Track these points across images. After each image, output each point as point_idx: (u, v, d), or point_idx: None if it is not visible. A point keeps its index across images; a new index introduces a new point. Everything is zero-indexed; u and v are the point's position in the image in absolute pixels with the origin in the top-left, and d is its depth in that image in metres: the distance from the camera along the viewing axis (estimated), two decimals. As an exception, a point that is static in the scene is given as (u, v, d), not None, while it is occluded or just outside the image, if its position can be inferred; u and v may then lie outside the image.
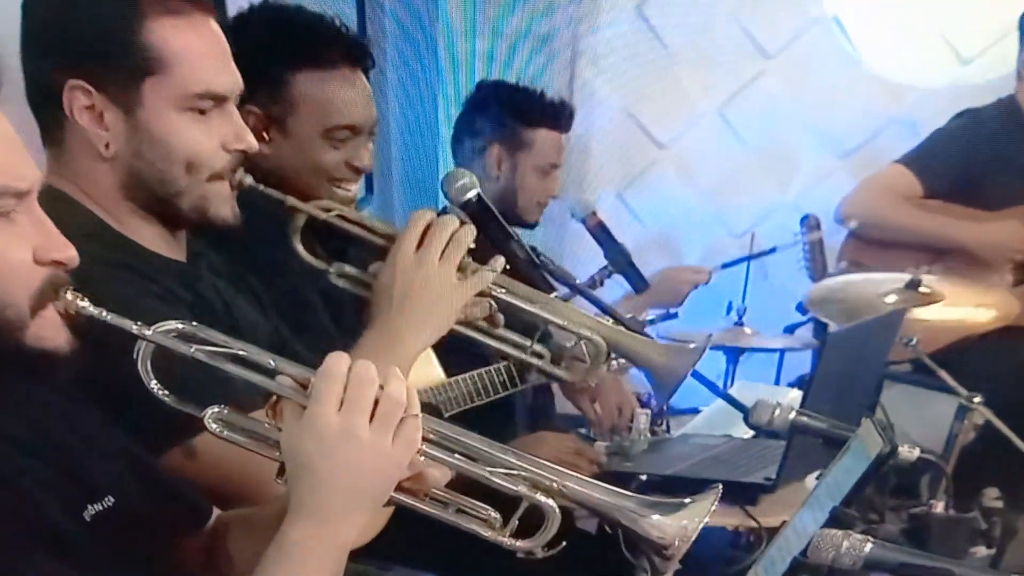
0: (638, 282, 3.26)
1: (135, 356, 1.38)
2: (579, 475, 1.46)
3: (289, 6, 2.37)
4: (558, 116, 3.37)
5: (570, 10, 4.73)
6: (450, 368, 2.39)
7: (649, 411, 2.82)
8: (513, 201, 3.29)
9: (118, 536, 1.40)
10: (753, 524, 2.41)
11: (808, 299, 3.25)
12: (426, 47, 4.42)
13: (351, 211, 1.96)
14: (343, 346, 1.47)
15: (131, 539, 1.42)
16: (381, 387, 1.36)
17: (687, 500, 1.47)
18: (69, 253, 1.36)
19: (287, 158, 2.30)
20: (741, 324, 3.76)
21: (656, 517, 1.44)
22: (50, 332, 1.35)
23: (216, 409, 1.43)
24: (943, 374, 2.66)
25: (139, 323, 1.37)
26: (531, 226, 3.33)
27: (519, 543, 1.43)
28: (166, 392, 1.41)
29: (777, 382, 4.18)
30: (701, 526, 1.45)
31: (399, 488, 1.41)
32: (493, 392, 2.46)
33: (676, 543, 1.44)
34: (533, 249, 2.17)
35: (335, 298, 2.06)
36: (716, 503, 1.47)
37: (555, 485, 1.43)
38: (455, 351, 2.11)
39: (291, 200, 1.91)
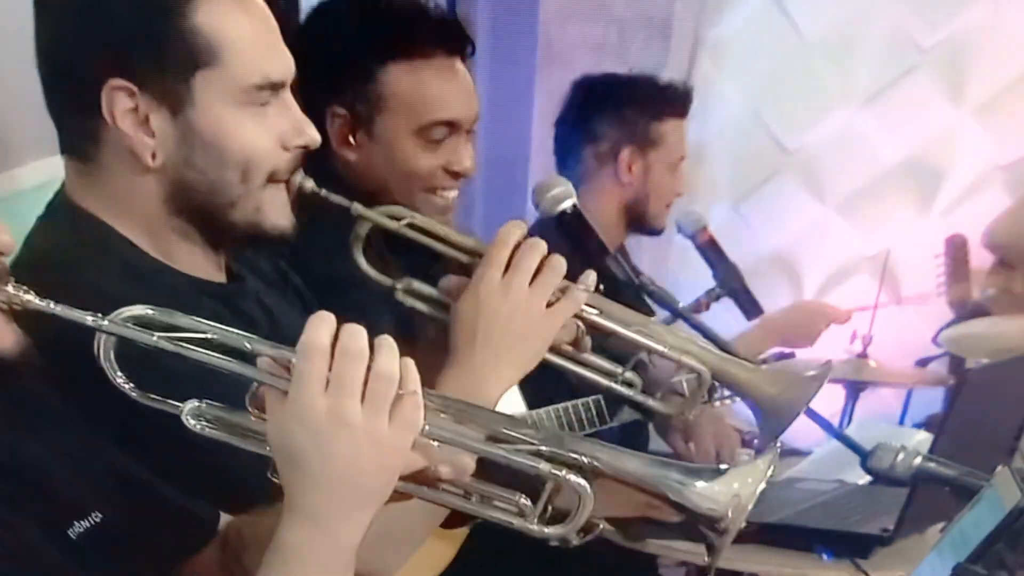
0: (750, 307, 3.32)
1: (95, 351, 1.37)
2: (609, 446, 1.46)
3: None
4: (682, 102, 3.46)
5: None
6: (533, 399, 2.42)
7: (752, 451, 2.90)
8: (644, 207, 3.40)
9: (112, 553, 1.41)
10: (862, 576, 2.47)
11: (945, 338, 3.26)
12: (524, 33, 4.46)
13: (425, 219, 1.93)
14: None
15: (127, 556, 1.44)
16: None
17: (742, 460, 1.51)
18: (4, 238, 1.33)
19: (376, 164, 2.33)
20: (865, 355, 3.81)
21: (701, 484, 1.44)
22: None
23: (194, 404, 1.40)
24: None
25: (95, 314, 1.35)
26: (658, 232, 3.43)
27: (550, 530, 1.41)
28: (134, 388, 1.40)
29: (902, 422, 4.22)
30: (757, 493, 1.45)
31: (414, 478, 1.39)
32: (580, 428, 2.50)
33: (729, 514, 1.44)
34: (633, 268, 2.24)
35: (408, 315, 2.03)
36: (775, 464, 1.47)
37: (585, 460, 1.42)
38: (539, 379, 2.05)
39: (357, 207, 1.88)
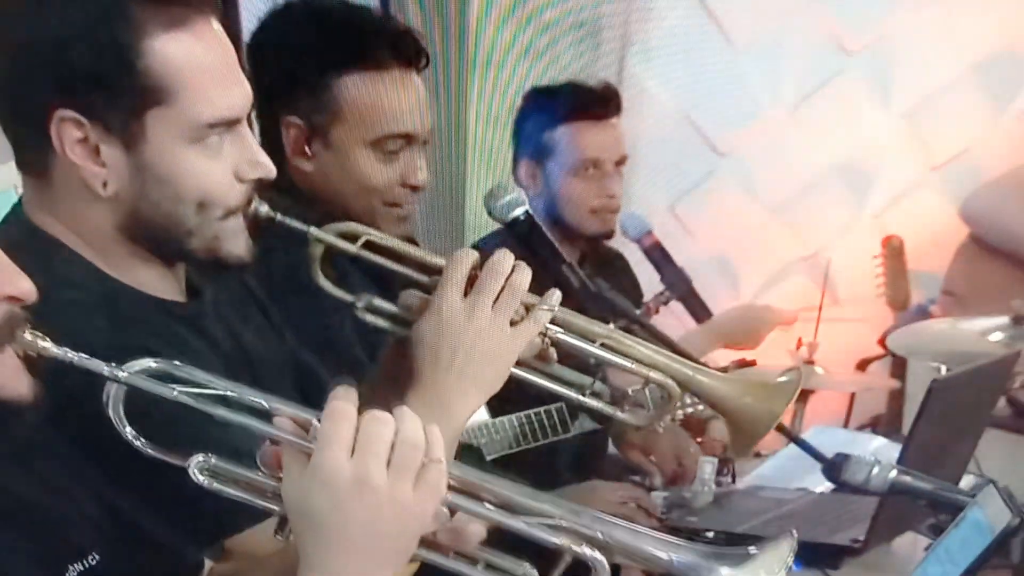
0: (699, 311, 3.22)
1: (104, 400, 1.35)
2: (629, 524, 1.43)
3: (329, 2, 2.35)
4: (582, 104, 3.35)
5: None
6: (495, 407, 2.38)
7: (715, 459, 2.78)
8: (560, 215, 3.30)
9: None
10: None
11: (892, 342, 3.17)
12: (455, 39, 4.37)
13: (383, 236, 1.87)
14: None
15: None
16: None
17: (753, 550, 1.42)
18: (23, 286, 1.33)
19: (332, 175, 2.31)
20: (812, 362, 3.72)
21: (726, 570, 1.39)
22: (8, 379, 1.32)
23: (202, 458, 1.38)
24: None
25: (111, 364, 1.34)
26: (604, 237, 3.33)
27: None
28: (143, 440, 1.38)
29: (847, 423, 4.20)
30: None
31: (429, 543, 1.38)
32: (542, 436, 2.48)
33: None
34: (588, 275, 2.16)
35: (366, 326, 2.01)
36: (793, 553, 1.42)
37: (600, 536, 1.39)
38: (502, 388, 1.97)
39: (314, 231, 1.82)
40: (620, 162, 3.35)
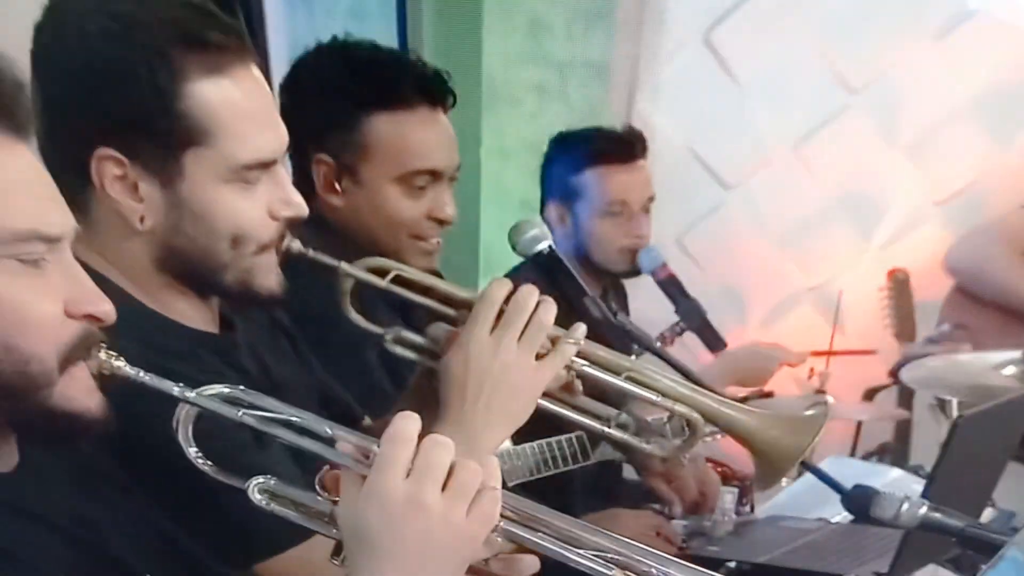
0: (713, 341, 3.20)
1: (175, 422, 1.38)
2: (682, 561, 1.40)
3: (360, 42, 2.36)
4: (611, 148, 3.39)
5: (628, 36, 4.74)
6: (516, 433, 2.34)
7: (736, 489, 2.76)
8: (589, 255, 3.34)
9: None
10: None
11: (906, 375, 3.16)
12: (469, 77, 4.39)
13: (413, 271, 1.90)
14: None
15: None
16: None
17: None
18: (104, 307, 1.35)
19: (362, 210, 2.32)
20: (823, 392, 3.75)
21: None
22: (80, 393, 1.33)
23: (261, 480, 1.40)
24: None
25: (180, 385, 1.37)
26: (632, 275, 3.36)
27: None
28: (206, 461, 1.40)
29: (853, 452, 4.16)
30: None
31: (479, 573, 1.36)
32: (563, 463, 2.47)
33: None
34: (609, 307, 2.17)
35: (393, 359, 2.00)
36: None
37: (654, 572, 1.36)
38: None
39: (344, 266, 1.85)
40: (647, 203, 3.38)
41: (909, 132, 4.89)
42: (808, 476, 2.90)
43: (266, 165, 1.72)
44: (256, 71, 1.73)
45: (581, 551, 1.36)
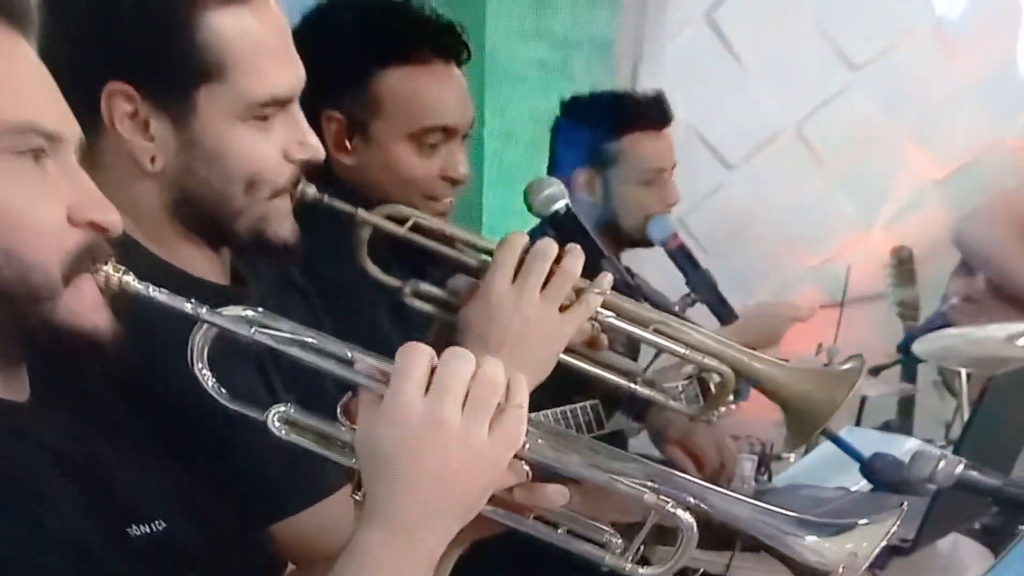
0: (725, 312, 3.08)
1: (190, 344, 1.27)
2: (718, 487, 1.32)
3: None
4: (644, 114, 3.27)
5: (633, 14, 4.63)
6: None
7: (756, 456, 2.65)
8: (616, 223, 3.24)
9: (173, 566, 1.29)
10: (885, 590, 2.22)
11: (919, 348, 3.08)
12: (472, 54, 4.26)
13: (431, 218, 1.80)
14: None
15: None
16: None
17: (862, 521, 1.35)
18: (110, 217, 1.26)
19: (373, 169, 2.21)
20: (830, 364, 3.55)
21: (812, 539, 1.31)
22: (87, 308, 1.24)
23: (282, 409, 1.29)
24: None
25: (193, 301, 1.26)
26: (651, 244, 3.22)
27: (644, 571, 1.28)
28: (222, 388, 1.29)
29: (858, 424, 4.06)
30: (875, 553, 1.31)
31: (504, 503, 1.26)
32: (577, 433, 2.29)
33: (840, 571, 1.29)
34: (627, 269, 2.05)
35: (408, 317, 1.93)
36: (898, 524, 1.34)
37: (690, 498, 1.28)
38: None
39: (361, 212, 1.76)
40: (673, 169, 3.29)
41: (911, 110, 4.85)
42: (822, 448, 2.83)
43: (282, 103, 1.63)
44: (274, 5, 1.63)
45: (612, 476, 1.27)
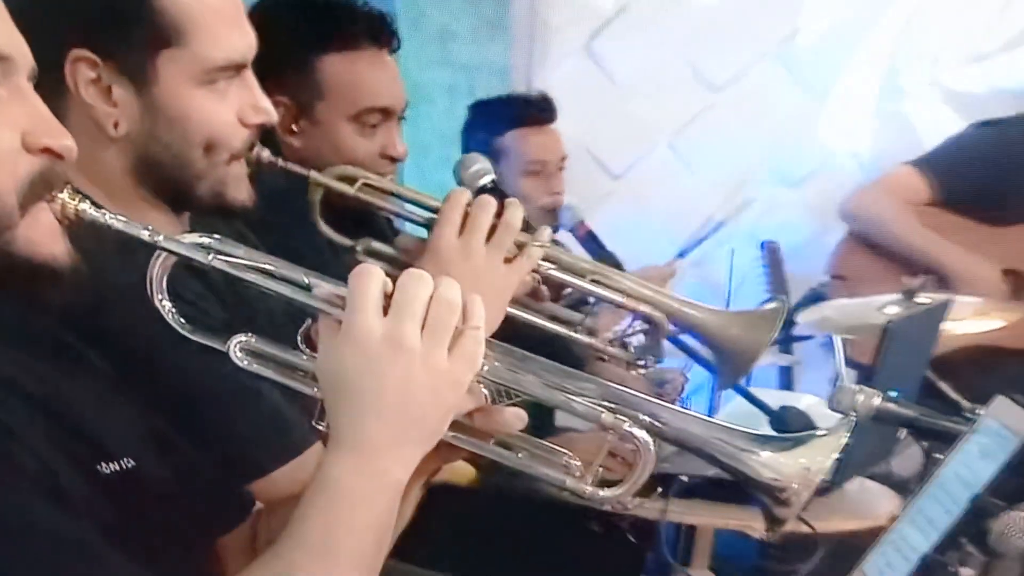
0: None
1: (149, 272, 1.14)
2: (673, 406, 1.21)
3: None
4: (520, 113, 3.25)
5: (523, 44, 4.66)
6: None
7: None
8: None
9: (144, 503, 1.15)
10: (807, 529, 2.07)
11: (804, 318, 3.13)
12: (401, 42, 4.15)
13: (380, 179, 1.73)
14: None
15: (161, 512, 1.17)
16: None
17: (818, 432, 1.24)
18: (65, 142, 1.11)
19: (318, 148, 2.11)
20: None
21: (767, 454, 1.18)
22: (44, 237, 1.09)
23: (243, 338, 1.16)
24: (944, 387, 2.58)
25: (150, 228, 1.13)
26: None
27: (604, 492, 1.17)
28: (182, 319, 1.16)
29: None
30: (828, 467, 1.21)
31: (462, 429, 1.14)
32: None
33: (794, 486, 1.18)
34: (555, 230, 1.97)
35: None
36: (848, 436, 1.24)
37: (645, 418, 1.16)
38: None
39: (314, 175, 1.69)
40: (561, 162, 3.16)
41: (766, 125, 4.79)
42: (732, 404, 2.69)
43: (238, 68, 1.53)
44: None
45: (568, 395, 1.15)
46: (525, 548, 2.31)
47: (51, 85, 1.42)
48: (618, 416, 1.14)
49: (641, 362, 1.79)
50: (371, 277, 1.07)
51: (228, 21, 1.51)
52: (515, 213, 1.60)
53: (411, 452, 1.08)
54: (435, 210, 1.63)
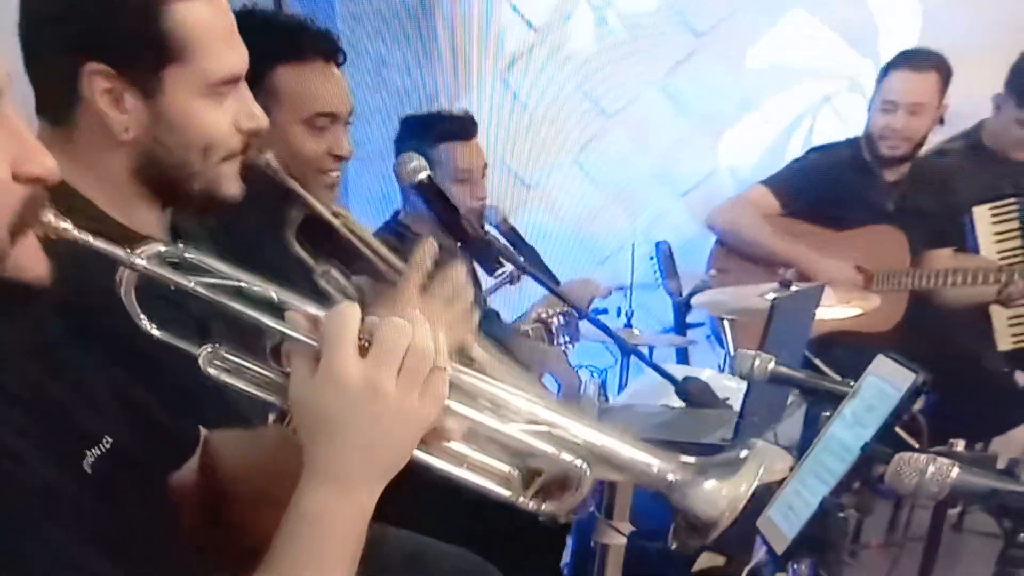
0: (548, 278, 2.93)
1: (118, 285, 1.04)
2: (616, 435, 1.10)
3: (267, 10, 2.17)
4: (448, 128, 3.17)
5: (448, 73, 4.63)
6: None
7: (599, 380, 2.44)
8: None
9: (118, 479, 1.06)
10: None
11: (697, 301, 3.20)
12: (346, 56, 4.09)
13: (357, 224, 1.74)
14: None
15: (130, 478, 1.08)
16: None
17: (742, 454, 1.10)
18: (48, 164, 0.97)
19: (274, 148, 2.05)
20: (630, 326, 3.75)
21: (712, 483, 1.06)
22: (30, 261, 0.98)
23: (210, 348, 1.06)
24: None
25: (127, 248, 1.04)
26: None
27: (542, 506, 1.09)
28: (154, 325, 1.06)
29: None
30: (750, 493, 1.07)
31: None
32: None
33: (725, 520, 1.06)
34: (483, 228, 2.19)
35: (321, 295, 1.80)
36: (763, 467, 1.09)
37: (579, 442, 1.07)
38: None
39: (306, 195, 1.68)
40: (483, 170, 3.19)
41: (656, 145, 4.84)
42: (644, 377, 2.64)
43: (234, 81, 1.53)
44: None
45: (516, 426, 1.06)
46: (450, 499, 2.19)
47: (65, 93, 1.44)
48: (559, 448, 1.05)
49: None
50: (350, 318, 1.00)
51: (227, 39, 1.51)
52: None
53: (379, 485, 1.03)
54: (395, 269, 1.61)
